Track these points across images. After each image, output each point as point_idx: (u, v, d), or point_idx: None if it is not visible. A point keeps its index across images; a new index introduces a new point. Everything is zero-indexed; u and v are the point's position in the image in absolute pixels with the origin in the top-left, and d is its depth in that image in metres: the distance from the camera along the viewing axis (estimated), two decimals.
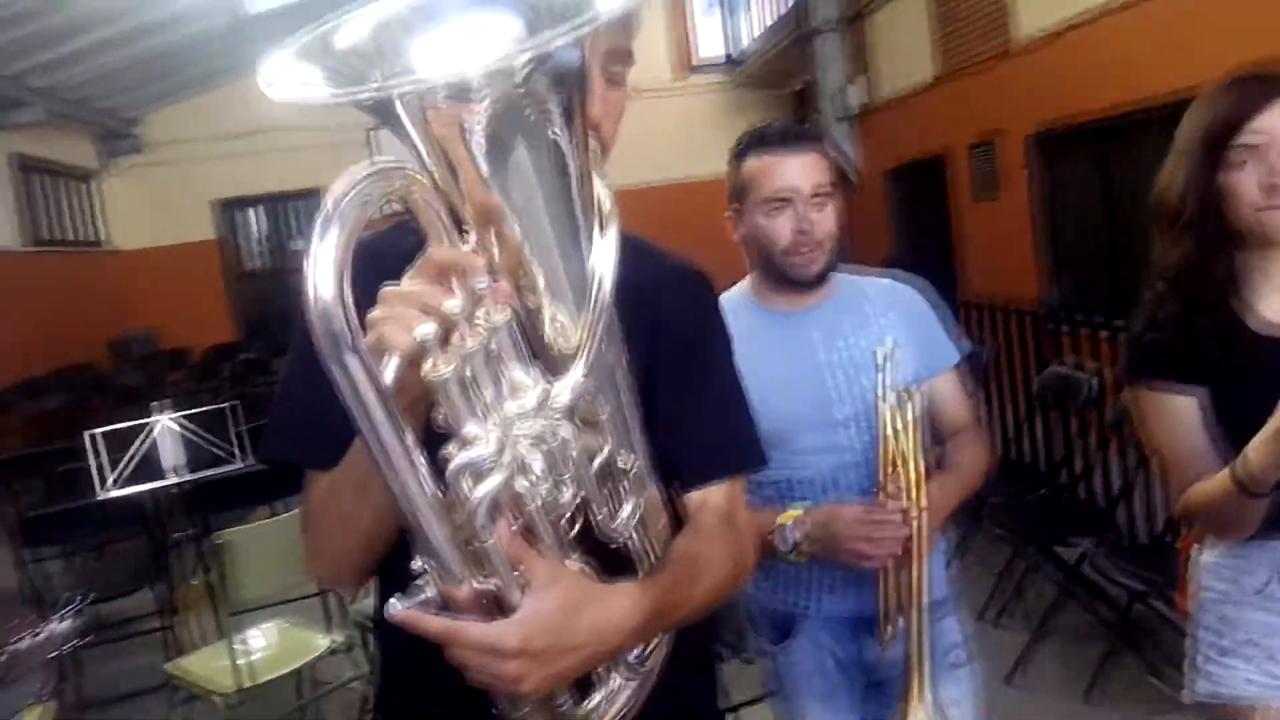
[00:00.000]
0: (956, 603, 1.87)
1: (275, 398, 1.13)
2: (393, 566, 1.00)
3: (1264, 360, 1.38)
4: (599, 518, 0.97)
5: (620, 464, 0.98)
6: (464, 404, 0.84)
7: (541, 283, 0.92)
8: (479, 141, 0.84)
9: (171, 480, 3.43)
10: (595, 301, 0.91)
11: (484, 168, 0.85)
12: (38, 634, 2.15)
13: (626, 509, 1.00)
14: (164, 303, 12.16)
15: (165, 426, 3.44)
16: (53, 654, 2.21)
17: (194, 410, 3.58)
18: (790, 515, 1.59)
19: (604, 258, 0.92)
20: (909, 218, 9.07)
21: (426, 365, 0.81)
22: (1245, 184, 1.36)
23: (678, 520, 1.12)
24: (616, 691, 1.03)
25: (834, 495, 1.70)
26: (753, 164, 1.69)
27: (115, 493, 3.38)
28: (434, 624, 0.85)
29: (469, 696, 0.91)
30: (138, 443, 3.38)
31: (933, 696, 1.53)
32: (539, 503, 0.88)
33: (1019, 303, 5.57)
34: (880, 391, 1.63)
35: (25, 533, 3.86)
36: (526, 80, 0.82)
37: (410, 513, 0.83)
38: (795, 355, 1.72)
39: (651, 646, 1.07)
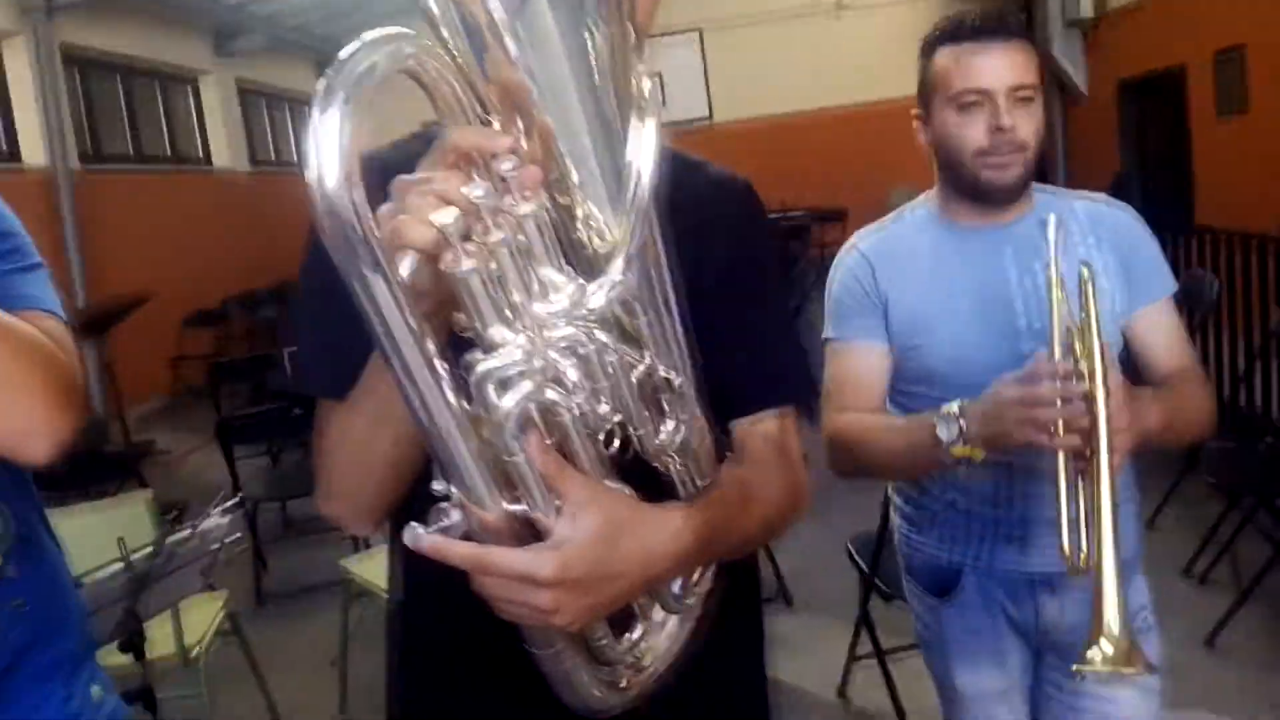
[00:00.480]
0: (1145, 563, 1.65)
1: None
2: (415, 500, 0.91)
3: None
4: (639, 435, 0.84)
5: (663, 377, 0.85)
6: (489, 305, 0.73)
7: (575, 176, 0.79)
8: (501, 13, 0.72)
9: None
10: (634, 197, 0.78)
11: (509, 42, 0.73)
12: (196, 527, 2.23)
13: (669, 427, 0.87)
14: None
15: None
16: (212, 547, 2.30)
17: None
18: (951, 407, 1.38)
19: (643, 150, 0.77)
20: (1140, 135, 8.29)
21: (447, 258, 0.71)
22: None
23: (723, 450, 0.98)
24: (657, 627, 0.92)
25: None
26: (944, 57, 1.48)
27: None
28: (461, 551, 0.75)
29: (496, 625, 0.81)
30: None
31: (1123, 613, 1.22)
32: (574, 415, 0.76)
33: (1261, 230, 4.97)
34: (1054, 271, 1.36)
35: (231, 433, 4.13)
36: None
37: (431, 427, 0.72)
38: (984, 276, 1.52)
39: (696, 579, 0.95)
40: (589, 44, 0.75)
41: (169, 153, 9.95)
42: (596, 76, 0.77)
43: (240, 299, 9.28)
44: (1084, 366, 1.27)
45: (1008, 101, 1.43)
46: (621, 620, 0.89)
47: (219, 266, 9.44)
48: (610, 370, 0.79)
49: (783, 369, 1.07)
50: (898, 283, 1.56)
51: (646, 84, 0.81)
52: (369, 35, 0.72)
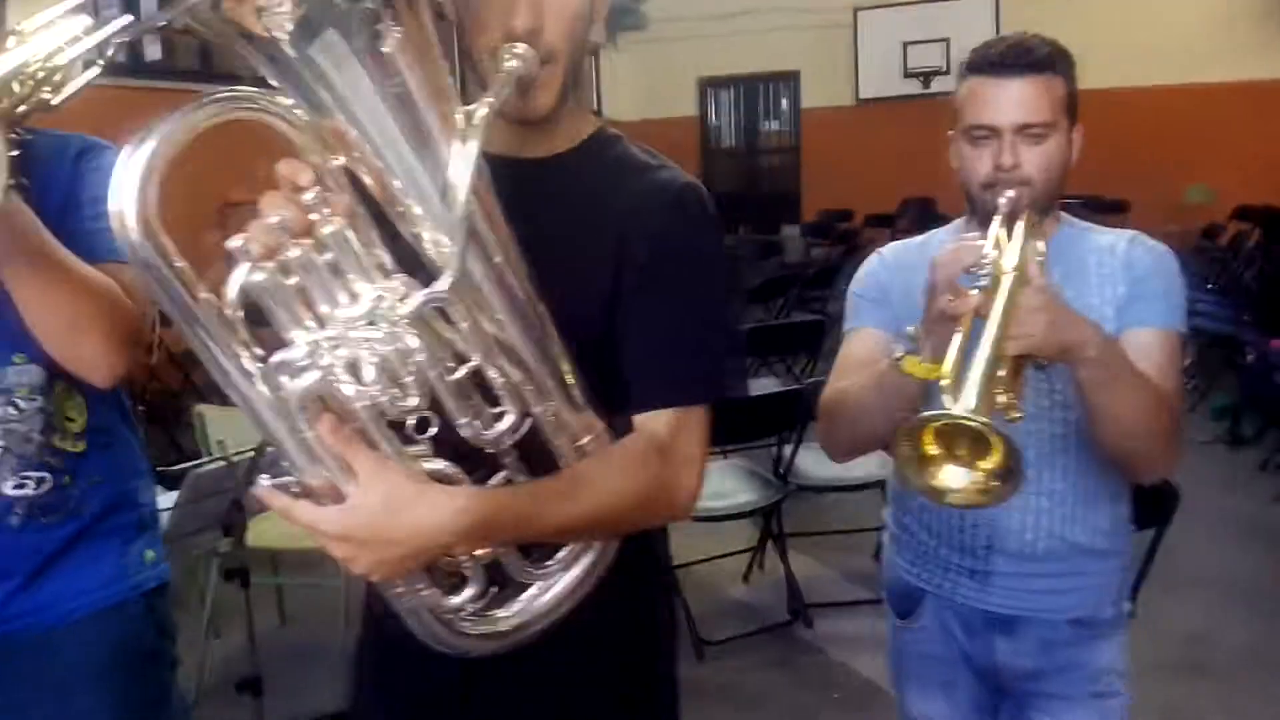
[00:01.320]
0: (1125, 629, 1.59)
1: None
2: None
3: None
4: (461, 426, 0.96)
5: (494, 376, 0.97)
6: (285, 310, 0.89)
7: (405, 198, 0.93)
8: (302, 55, 0.86)
9: None
10: (452, 213, 0.90)
11: (315, 88, 0.87)
12: None
13: (505, 422, 0.99)
14: None
15: None
16: None
17: None
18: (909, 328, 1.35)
19: (459, 169, 0.90)
20: None
21: (239, 273, 0.86)
22: None
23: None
24: (515, 589, 1.07)
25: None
26: (965, 86, 1.48)
27: None
28: (277, 500, 0.93)
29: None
30: None
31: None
32: (368, 404, 0.91)
33: None
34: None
35: None
36: None
37: (252, 413, 0.90)
38: None
39: (566, 554, 1.09)
40: (402, 85, 0.89)
41: None
42: (419, 110, 0.91)
43: None
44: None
45: (1014, 138, 1.42)
46: (451, 579, 1.03)
47: None
48: (417, 368, 0.92)
49: (683, 368, 1.12)
50: (908, 291, 1.56)
51: (481, 110, 0.93)
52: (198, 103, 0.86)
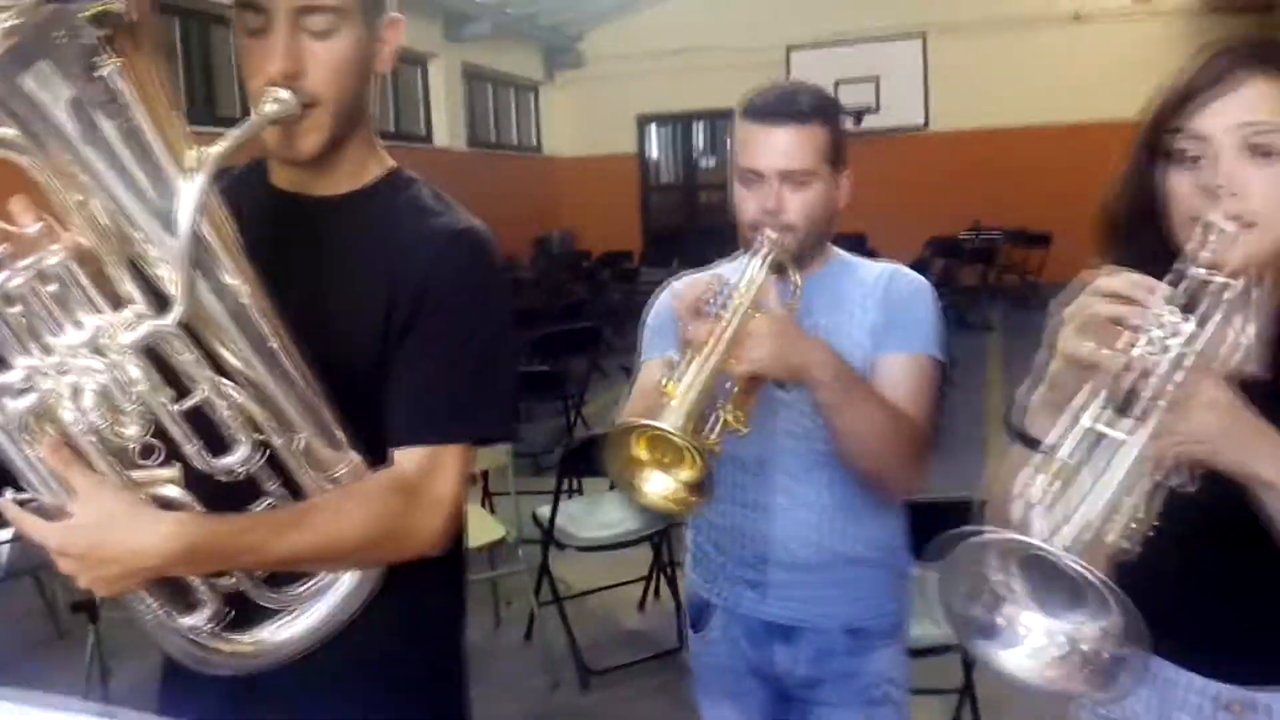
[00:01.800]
0: (904, 640, 1.66)
1: None
2: None
3: None
4: (189, 456, 1.01)
5: (223, 408, 1.01)
6: (8, 337, 0.94)
7: (134, 233, 0.97)
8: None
9: None
10: (176, 250, 0.95)
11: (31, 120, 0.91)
12: None
13: (237, 453, 1.03)
14: (585, 209, 13.26)
15: None
16: None
17: None
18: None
19: (184, 206, 0.94)
20: None
21: None
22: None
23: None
24: (260, 617, 1.12)
25: (760, 476, 1.56)
26: (739, 130, 1.56)
27: None
28: (10, 512, 0.98)
29: None
30: None
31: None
32: (85, 429, 0.95)
33: None
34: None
35: None
36: (52, 31, 0.87)
37: None
38: None
39: (312, 584, 1.13)
40: (127, 122, 0.94)
41: (394, 128, 10.76)
42: (148, 147, 0.95)
43: None
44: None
45: (778, 184, 1.49)
46: (184, 600, 1.07)
47: None
48: (138, 397, 0.96)
49: (438, 408, 1.16)
50: None
51: (214, 149, 0.98)
52: None
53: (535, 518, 3.32)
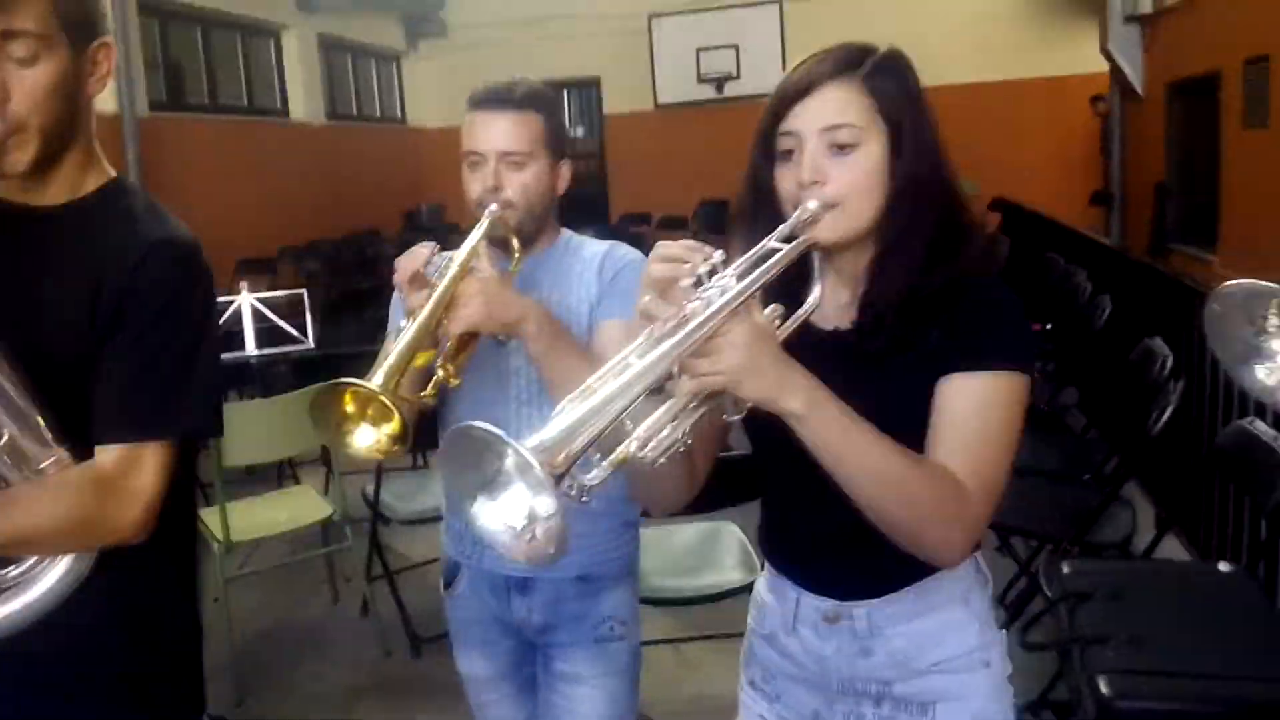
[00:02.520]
0: (634, 580, 1.86)
1: None
2: None
3: None
4: None
5: None
6: None
7: None
8: None
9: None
10: None
11: None
12: None
13: None
14: (453, 180, 13.12)
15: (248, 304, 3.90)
16: None
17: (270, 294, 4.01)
18: None
19: None
20: (1181, 141, 8.00)
21: None
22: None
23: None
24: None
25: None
26: (465, 121, 1.71)
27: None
28: None
29: None
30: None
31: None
32: None
33: None
34: None
35: None
36: None
37: None
38: None
39: (23, 568, 1.22)
40: None
41: (246, 103, 10.52)
42: None
43: (296, 249, 9.78)
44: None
45: (498, 165, 1.65)
46: None
47: (283, 214, 9.99)
48: None
49: (135, 408, 1.24)
50: None
51: None
52: None
53: (364, 495, 3.42)
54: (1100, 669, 1.89)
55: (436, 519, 3.44)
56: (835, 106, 1.18)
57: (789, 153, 1.20)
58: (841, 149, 1.18)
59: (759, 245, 1.12)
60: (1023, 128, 11.67)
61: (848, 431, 1.08)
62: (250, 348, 3.94)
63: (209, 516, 3.21)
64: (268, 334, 3.94)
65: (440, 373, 1.53)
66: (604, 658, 1.78)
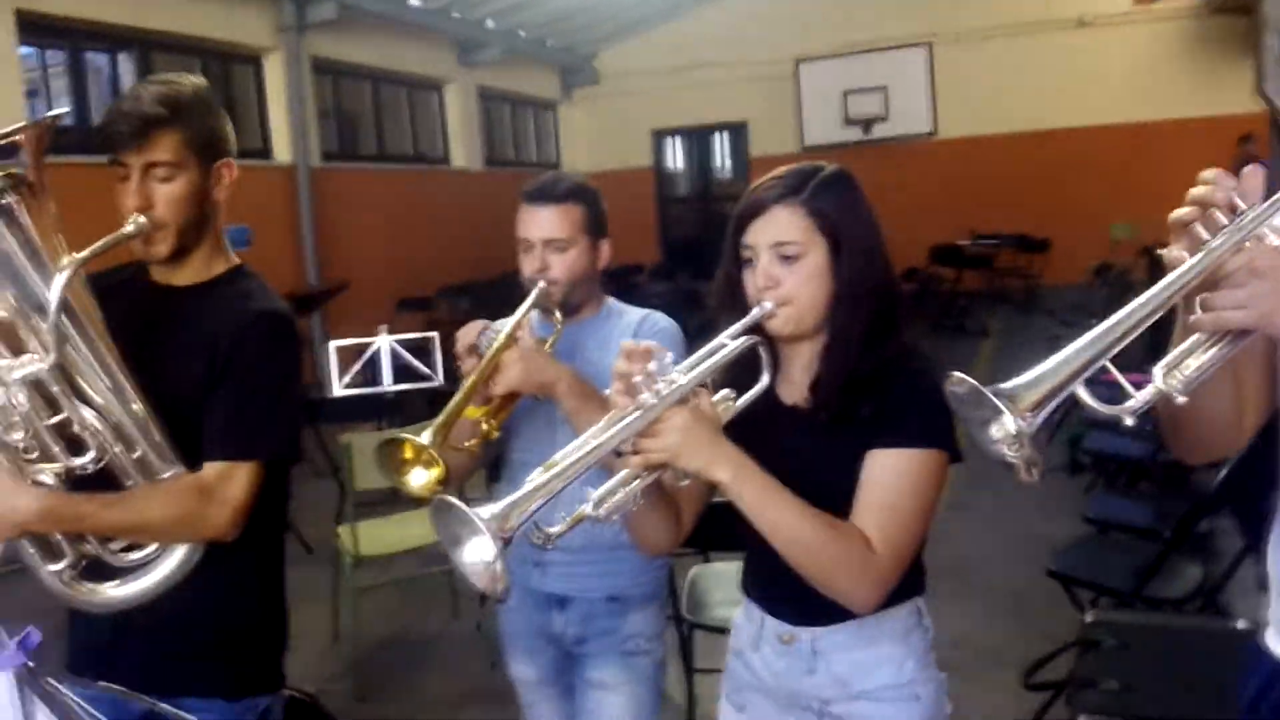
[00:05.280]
0: (659, 603, 2.09)
1: None
2: None
3: None
4: (55, 455, 1.46)
5: (76, 425, 1.46)
6: None
7: (25, 309, 1.43)
8: None
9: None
10: (50, 318, 1.39)
11: None
12: None
13: (87, 456, 1.48)
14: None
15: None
16: None
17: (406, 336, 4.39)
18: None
19: (53, 290, 1.40)
20: None
21: None
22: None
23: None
24: (111, 573, 1.55)
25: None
26: (519, 211, 2.01)
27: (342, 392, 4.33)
28: None
29: None
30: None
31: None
32: None
33: None
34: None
35: None
36: None
37: None
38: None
39: (143, 554, 1.56)
40: (24, 236, 1.41)
41: (411, 151, 11.30)
42: (38, 253, 1.42)
43: (451, 288, 10.40)
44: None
45: (543, 249, 1.94)
46: (52, 552, 1.52)
47: (442, 256, 10.67)
48: (21, 413, 1.40)
49: (234, 434, 1.58)
50: None
51: (79, 255, 1.42)
52: None
53: None
54: (1083, 709, 2.00)
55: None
56: (780, 226, 1.42)
57: (749, 260, 1.44)
58: (787, 259, 1.41)
59: (713, 342, 1.37)
60: (1175, 168, 11.27)
61: (767, 497, 1.32)
62: (387, 383, 4.34)
63: (345, 533, 3.59)
64: (405, 371, 4.32)
65: (484, 426, 1.81)
66: (630, 669, 2.02)
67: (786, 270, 1.41)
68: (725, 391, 1.40)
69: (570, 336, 1.98)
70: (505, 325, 1.84)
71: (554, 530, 1.24)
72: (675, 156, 14.74)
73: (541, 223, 1.95)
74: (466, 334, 1.85)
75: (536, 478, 1.20)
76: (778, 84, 13.16)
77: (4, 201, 1.38)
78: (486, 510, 1.13)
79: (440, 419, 1.70)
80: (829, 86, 13.04)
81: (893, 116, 12.86)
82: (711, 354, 1.35)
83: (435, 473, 1.70)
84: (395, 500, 4.68)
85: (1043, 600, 3.53)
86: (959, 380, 1.07)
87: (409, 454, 1.70)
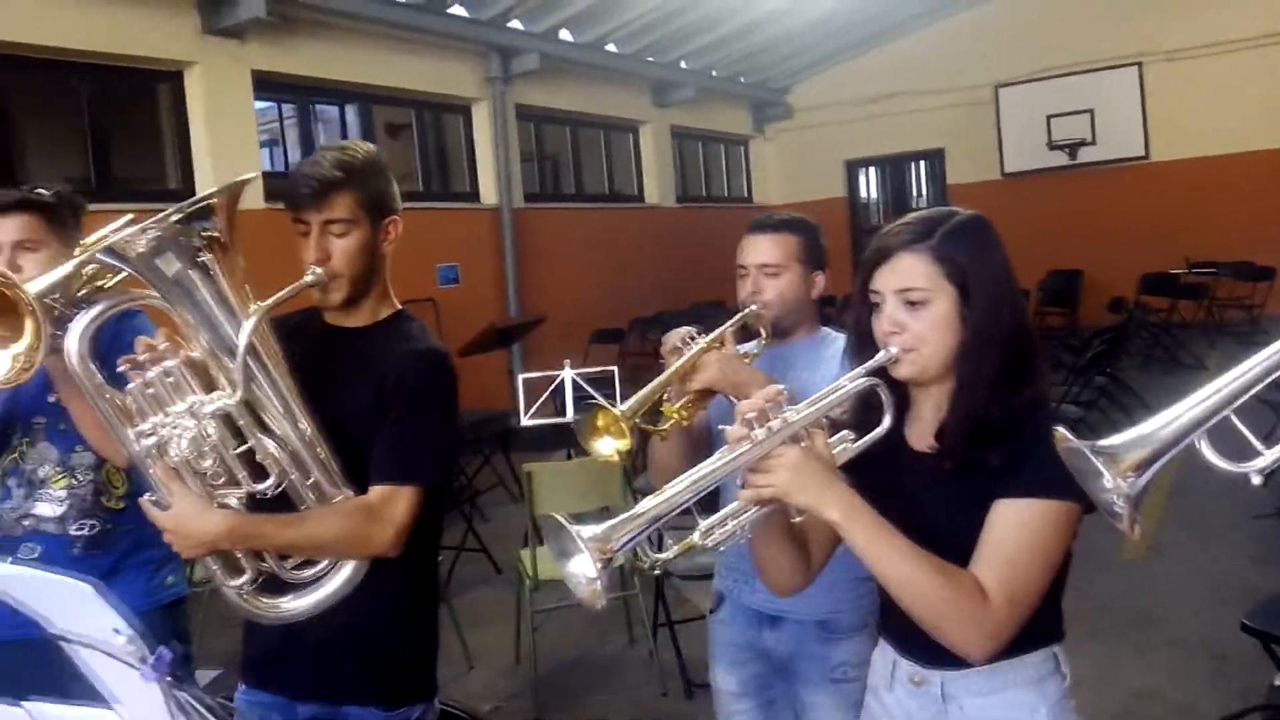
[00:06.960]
0: (869, 631, 2.04)
1: None
2: None
3: None
4: (241, 480, 1.64)
5: (259, 454, 1.65)
6: (147, 406, 1.61)
7: (218, 350, 1.63)
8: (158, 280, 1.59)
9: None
10: (237, 360, 1.59)
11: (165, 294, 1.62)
12: None
13: (269, 480, 1.66)
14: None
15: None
16: None
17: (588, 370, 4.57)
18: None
19: (242, 335, 1.59)
20: None
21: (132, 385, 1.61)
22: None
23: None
24: (288, 588, 1.72)
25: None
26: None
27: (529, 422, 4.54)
28: (145, 505, 1.64)
29: None
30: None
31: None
32: (181, 458, 1.61)
33: None
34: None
35: None
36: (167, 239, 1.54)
37: (134, 456, 1.63)
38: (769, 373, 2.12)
39: (315, 570, 1.72)
40: (216, 287, 1.62)
41: (607, 190, 11.69)
42: (228, 301, 1.63)
43: (642, 320, 10.66)
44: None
45: (757, 274, 2.10)
46: (235, 568, 1.70)
47: (636, 289, 10.97)
48: (212, 443, 1.60)
49: (398, 460, 1.74)
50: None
51: (264, 303, 1.62)
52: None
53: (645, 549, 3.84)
54: None
55: (710, 576, 3.83)
56: (906, 273, 1.44)
57: (877, 305, 1.47)
58: (913, 305, 1.43)
59: (832, 384, 1.42)
60: None
61: (877, 538, 1.33)
62: (569, 414, 4.53)
63: (525, 556, 3.78)
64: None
65: (675, 414, 1.96)
66: (838, 695, 2.07)
67: (912, 316, 1.43)
68: (844, 433, 1.45)
69: (783, 355, 2.12)
70: (712, 335, 2.00)
71: (662, 556, 1.31)
72: (869, 186, 14.56)
73: (757, 249, 2.12)
74: (673, 336, 2.01)
75: (645, 503, 1.27)
76: (975, 110, 12.79)
77: (201, 259, 1.59)
78: (589, 530, 1.21)
79: (639, 395, 1.88)
80: (1030, 111, 12.55)
81: (1100, 140, 12.24)
82: (830, 394, 1.40)
83: (623, 444, 1.86)
84: None
85: (1248, 655, 3.31)
86: (1062, 438, 1.09)
87: (602, 421, 1.88)
